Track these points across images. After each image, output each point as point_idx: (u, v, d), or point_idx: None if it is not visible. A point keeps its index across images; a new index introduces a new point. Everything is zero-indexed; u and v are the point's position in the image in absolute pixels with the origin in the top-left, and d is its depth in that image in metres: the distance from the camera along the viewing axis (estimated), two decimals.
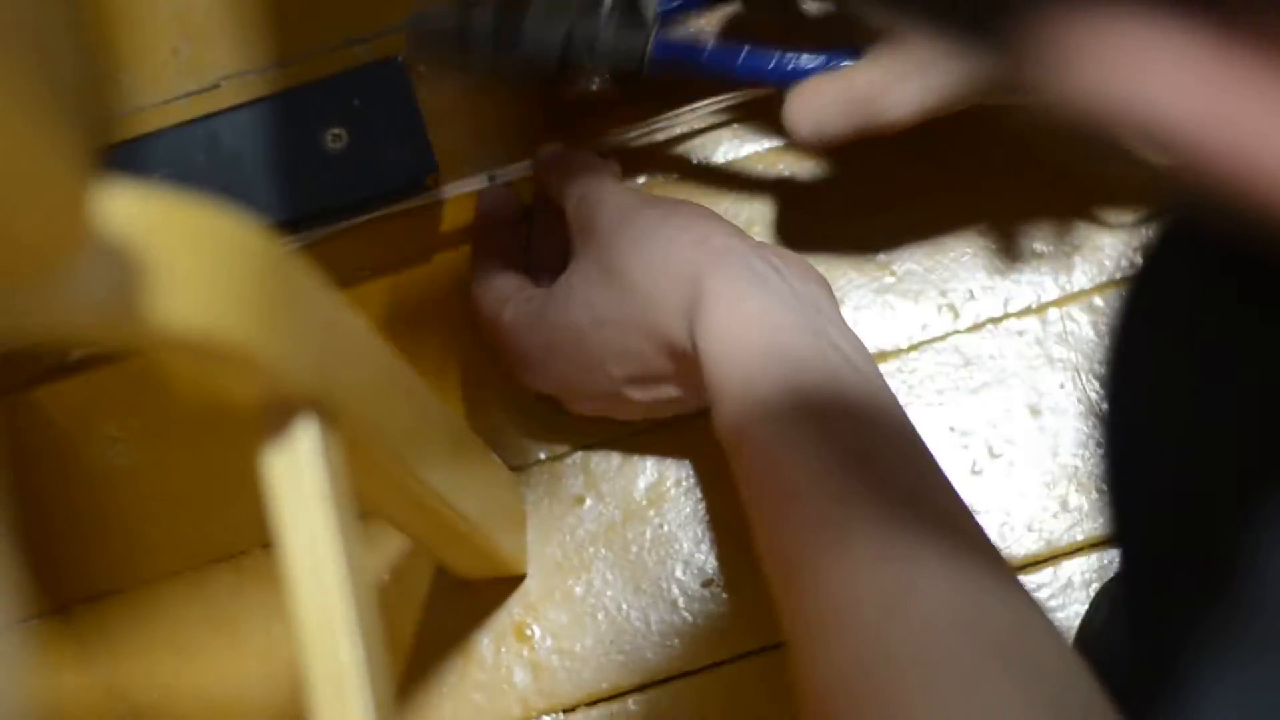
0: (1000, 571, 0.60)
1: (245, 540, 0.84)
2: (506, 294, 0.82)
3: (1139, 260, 0.49)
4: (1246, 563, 0.39)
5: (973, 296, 0.85)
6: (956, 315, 0.85)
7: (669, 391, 0.77)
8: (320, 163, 0.85)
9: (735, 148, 0.88)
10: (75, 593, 0.84)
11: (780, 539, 0.63)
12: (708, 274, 0.71)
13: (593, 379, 0.78)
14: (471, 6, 0.79)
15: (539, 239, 0.86)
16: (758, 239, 0.76)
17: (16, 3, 0.36)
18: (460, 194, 0.87)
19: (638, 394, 0.78)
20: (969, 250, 0.85)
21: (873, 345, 0.85)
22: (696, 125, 0.88)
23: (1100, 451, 0.50)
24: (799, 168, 0.87)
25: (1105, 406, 0.50)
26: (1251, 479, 0.40)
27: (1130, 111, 0.26)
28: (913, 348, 0.84)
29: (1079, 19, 0.26)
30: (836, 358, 0.68)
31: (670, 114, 0.87)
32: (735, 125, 0.88)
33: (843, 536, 0.60)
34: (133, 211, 0.47)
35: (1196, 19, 0.26)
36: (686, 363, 0.73)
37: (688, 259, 0.72)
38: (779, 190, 0.87)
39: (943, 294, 0.85)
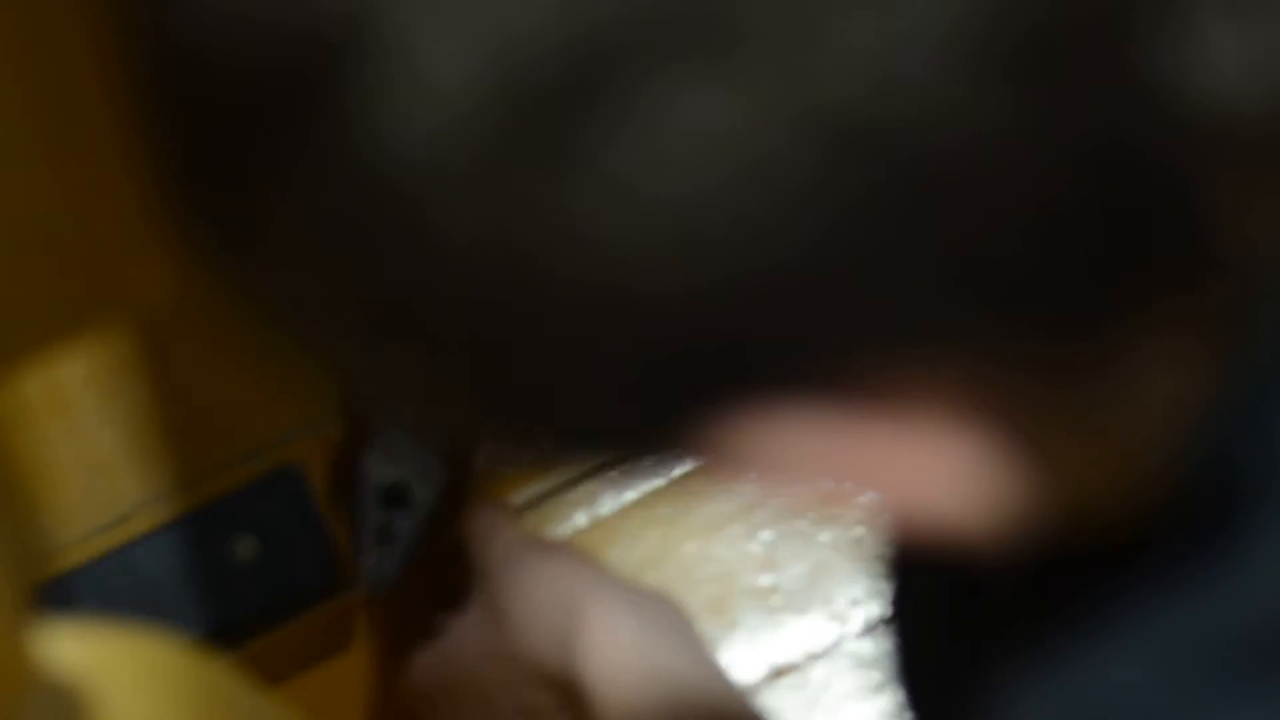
0: None
1: None
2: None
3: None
4: None
5: (857, 602, 0.90)
6: (845, 622, 0.90)
7: None
8: (234, 574, 0.89)
9: (616, 497, 0.93)
10: None
11: None
12: (581, 604, 0.77)
13: (485, 714, 0.82)
14: (390, 541, 0.87)
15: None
16: (647, 578, 0.82)
17: None
18: None
19: None
20: (847, 559, 0.90)
21: (769, 663, 0.89)
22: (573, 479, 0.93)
23: None
24: (675, 509, 0.92)
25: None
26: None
27: (795, 474, 0.32)
28: (809, 659, 0.89)
29: (733, 420, 0.32)
30: (706, 671, 0.75)
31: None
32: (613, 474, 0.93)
33: None
34: (69, 648, 0.51)
35: (814, 399, 0.31)
36: (570, 693, 0.77)
37: (562, 591, 0.78)
38: (663, 536, 0.92)
39: (828, 604, 0.90)
